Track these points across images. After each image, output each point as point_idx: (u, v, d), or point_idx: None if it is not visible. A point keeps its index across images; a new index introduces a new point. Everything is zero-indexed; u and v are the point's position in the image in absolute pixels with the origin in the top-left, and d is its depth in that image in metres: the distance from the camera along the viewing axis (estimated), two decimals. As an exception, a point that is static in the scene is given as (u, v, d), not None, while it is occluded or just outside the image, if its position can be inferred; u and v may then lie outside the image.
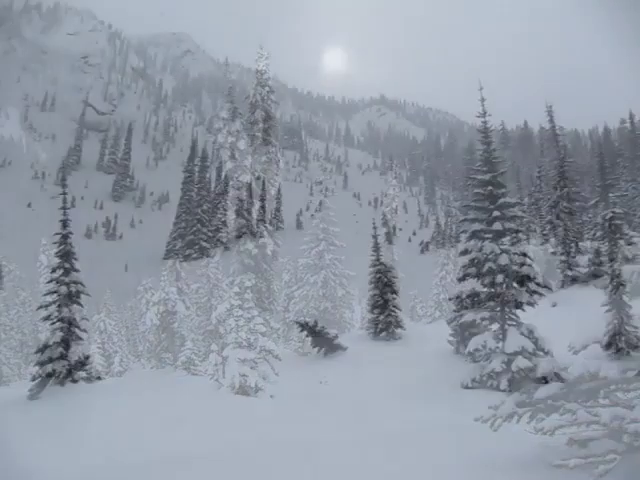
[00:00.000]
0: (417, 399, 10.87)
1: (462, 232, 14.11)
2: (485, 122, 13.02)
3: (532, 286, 11.98)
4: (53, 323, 14.64)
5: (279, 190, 72.49)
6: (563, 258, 25.12)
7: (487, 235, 12.58)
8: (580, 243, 29.44)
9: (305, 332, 16.18)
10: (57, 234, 15.31)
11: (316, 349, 16.26)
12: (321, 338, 16.07)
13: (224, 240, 61.69)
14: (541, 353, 11.41)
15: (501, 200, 12.57)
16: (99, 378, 14.71)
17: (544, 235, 51.61)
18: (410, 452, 7.18)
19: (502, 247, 12.10)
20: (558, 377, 10.83)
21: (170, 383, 14.97)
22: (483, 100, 12.75)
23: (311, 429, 9.19)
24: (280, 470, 6.69)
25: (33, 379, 13.89)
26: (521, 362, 10.90)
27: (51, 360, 14.02)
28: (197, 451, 8.29)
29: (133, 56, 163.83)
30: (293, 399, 11.81)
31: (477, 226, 12.73)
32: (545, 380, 10.74)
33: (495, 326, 12.42)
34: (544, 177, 63.13)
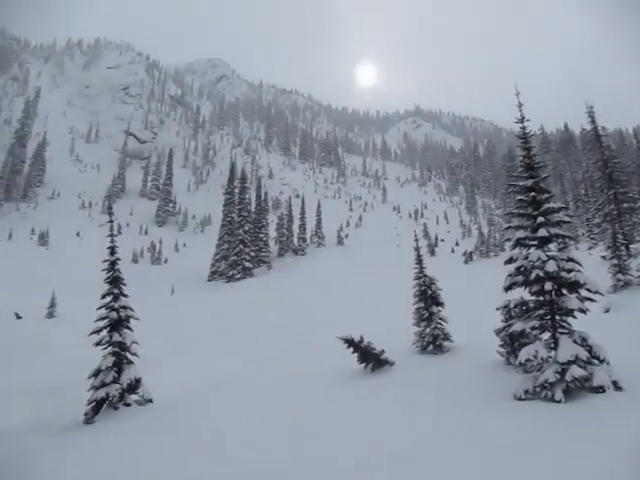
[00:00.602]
0: (470, 413, 10.65)
1: (506, 240, 13.90)
2: (524, 127, 12.81)
3: (583, 292, 11.63)
4: (105, 348, 15.06)
5: (319, 207, 73.03)
6: (614, 262, 24.30)
7: (532, 242, 12.33)
8: (631, 245, 28.51)
9: (351, 348, 16.08)
10: (105, 261, 15.79)
11: (362, 365, 16.14)
12: (368, 354, 15.96)
13: (266, 259, 62.44)
14: (596, 361, 11.01)
15: (545, 206, 12.31)
16: (150, 401, 14.97)
17: (592, 239, 50.37)
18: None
19: (549, 254, 11.83)
20: (616, 386, 10.45)
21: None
22: (521, 105, 12.56)
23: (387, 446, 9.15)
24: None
25: (88, 403, 14.25)
26: (576, 371, 10.53)
27: (104, 384, 14.40)
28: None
29: (171, 84, 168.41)
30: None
31: (521, 233, 12.49)
32: (602, 390, 10.38)
33: (546, 335, 12.09)
34: (589, 180, 61.69)
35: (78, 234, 72.49)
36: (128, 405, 14.69)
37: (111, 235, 15.97)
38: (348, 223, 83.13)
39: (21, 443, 12.50)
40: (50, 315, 38.79)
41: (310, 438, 10.34)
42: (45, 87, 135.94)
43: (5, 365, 24.45)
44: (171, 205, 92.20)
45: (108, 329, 15.21)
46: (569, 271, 11.59)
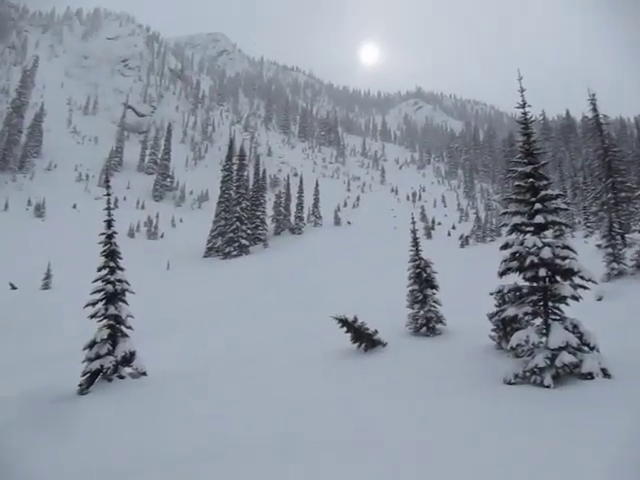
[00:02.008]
0: (459, 396, 10.79)
1: (503, 225, 13.91)
2: (525, 113, 12.78)
3: (576, 280, 11.72)
4: (100, 320, 15.14)
5: (317, 186, 72.85)
6: (609, 250, 24.40)
7: (529, 228, 12.38)
8: (627, 235, 28.60)
9: (345, 328, 16.19)
10: (102, 234, 15.79)
11: (356, 344, 16.28)
12: (361, 333, 16.08)
13: (263, 237, 62.45)
14: (586, 348, 11.14)
15: (543, 192, 12.33)
16: (144, 374, 15.10)
17: (588, 227, 50.48)
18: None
19: (544, 240, 11.88)
20: (605, 373, 10.59)
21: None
22: (523, 90, 12.51)
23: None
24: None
25: (83, 374, 14.38)
26: (566, 357, 10.66)
27: (99, 356, 14.52)
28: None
29: (171, 58, 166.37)
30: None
31: (518, 219, 12.53)
32: (591, 376, 10.52)
33: (538, 321, 12.21)
34: (588, 168, 61.65)
35: (74, 206, 72.24)
36: (122, 377, 14.82)
37: (108, 208, 15.95)
38: (346, 203, 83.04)
39: (19, 411, 12.64)
40: (45, 286, 38.90)
41: (294, 414, 10.52)
42: (43, 56, 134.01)
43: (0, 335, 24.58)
44: (169, 180, 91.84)
45: (104, 302, 15.26)
46: (564, 258, 11.66)
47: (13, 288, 37.69)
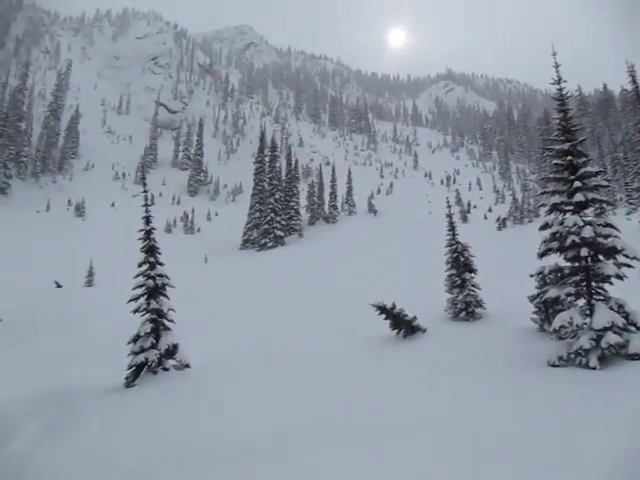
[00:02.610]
0: (503, 379, 10.68)
1: (541, 206, 13.61)
2: (560, 89, 12.41)
3: (620, 258, 11.40)
4: (143, 315, 15.49)
5: (349, 174, 72.64)
6: (653, 227, 23.66)
7: (568, 207, 12.08)
8: (672, 210, 27.68)
9: (384, 315, 16.16)
10: (141, 230, 16.12)
11: (395, 331, 16.24)
12: (400, 320, 16.03)
13: (297, 228, 62.70)
14: (633, 328, 10.85)
15: (582, 170, 12.01)
16: (188, 366, 15.40)
17: (631, 204, 49.01)
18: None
19: (585, 219, 11.59)
20: (653, 353, 10.33)
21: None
22: (557, 66, 12.15)
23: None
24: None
25: (128, 368, 14.75)
26: (611, 338, 10.41)
27: (143, 350, 14.87)
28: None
29: (199, 53, 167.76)
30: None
31: (557, 198, 12.23)
32: (638, 357, 10.28)
33: (581, 302, 11.95)
34: (628, 142, 59.76)
35: (113, 204, 73.89)
36: (166, 370, 15.16)
37: (145, 205, 16.24)
38: (379, 190, 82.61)
39: (69, 403, 13.08)
40: (89, 283, 39.97)
41: (337, 401, 10.55)
42: (76, 59, 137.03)
43: (47, 331, 25.40)
44: (202, 175, 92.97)
45: (145, 296, 15.59)
46: (606, 237, 11.35)
47: (58, 286, 38.85)
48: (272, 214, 58.42)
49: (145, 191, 17.01)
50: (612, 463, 5.98)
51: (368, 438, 7.99)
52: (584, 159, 12.23)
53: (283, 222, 60.15)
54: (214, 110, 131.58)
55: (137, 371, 14.80)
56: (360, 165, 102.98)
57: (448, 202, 20.86)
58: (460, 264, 18.13)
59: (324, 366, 13.98)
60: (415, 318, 16.08)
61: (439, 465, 6.60)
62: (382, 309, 16.06)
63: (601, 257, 11.60)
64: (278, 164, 66.22)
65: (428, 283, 21.95)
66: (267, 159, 65.65)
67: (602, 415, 7.55)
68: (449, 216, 18.89)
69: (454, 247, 18.35)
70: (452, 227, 18.62)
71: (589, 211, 12.05)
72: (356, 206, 70.65)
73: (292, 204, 64.49)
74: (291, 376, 13.41)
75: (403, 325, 16.08)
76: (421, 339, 15.64)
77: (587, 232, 11.18)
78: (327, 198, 69.21)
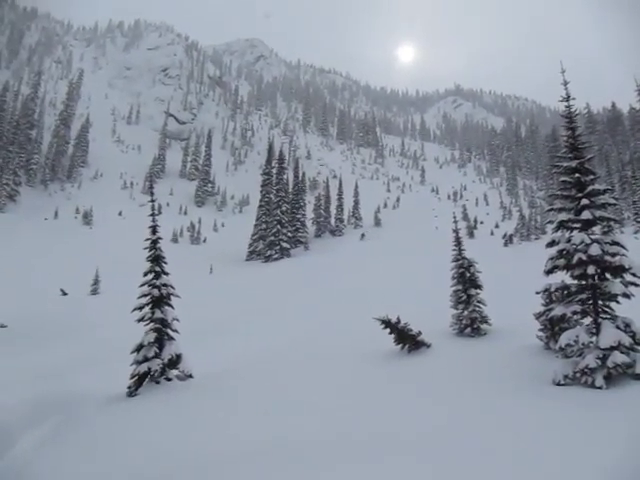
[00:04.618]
0: (506, 396, 10.57)
1: (548, 222, 13.55)
2: (569, 106, 12.39)
3: (627, 277, 11.31)
4: (147, 324, 15.48)
5: (356, 187, 72.77)
6: (661, 246, 23.50)
7: (576, 225, 12.02)
8: (680, 229, 27.53)
9: (388, 329, 16.08)
10: (147, 239, 16.16)
11: (399, 346, 16.14)
12: (404, 335, 15.94)
13: (303, 240, 62.73)
14: (640, 348, 10.76)
15: (590, 187, 11.95)
16: (191, 376, 15.35)
17: (638, 222, 48.78)
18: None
19: (592, 237, 11.52)
20: (660, 373, 10.21)
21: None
22: (566, 83, 12.16)
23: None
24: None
25: (131, 377, 14.71)
26: (618, 357, 10.30)
27: (146, 359, 14.84)
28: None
29: (209, 65, 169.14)
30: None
31: (564, 216, 12.18)
32: (646, 376, 10.16)
33: (587, 320, 11.84)
34: (636, 161, 59.63)
35: (120, 213, 74.18)
36: (169, 380, 15.11)
37: (152, 214, 16.29)
38: (386, 204, 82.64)
39: (71, 412, 13.04)
40: (94, 292, 40.05)
41: (340, 415, 10.48)
42: (88, 69, 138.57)
43: (50, 339, 25.42)
44: (210, 185, 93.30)
45: (150, 306, 15.59)
46: (613, 255, 11.27)
47: (64, 294, 38.96)
48: (278, 226, 58.49)
49: (152, 200, 17.07)
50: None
51: (368, 454, 7.91)
52: (592, 177, 12.19)
53: (289, 234, 60.21)
54: (223, 122, 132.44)
55: (140, 380, 14.75)
56: (367, 179, 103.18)
57: (455, 217, 20.82)
58: (466, 280, 18.04)
59: (326, 380, 13.90)
60: (420, 333, 15.98)
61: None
62: (387, 323, 15.97)
63: (608, 275, 11.51)
64: (285, 176, 66.44)
65: (433, 298, 21.86)
66: (274, 171, 65.88)
67: (606, 435, 7.45)
68: (455, 231, 18.84)
69: (460, 262, 18.27)
70: (458, 242, 18.55)
71: (596, 229, 11.98)
72: (362, 219, 70.70)
73: (298, 216, 64.60)
74: (293, 390, 13.32)
75: (408, 340, 15.98)
76: (425, 354, 15.54)
77: (594, 250, 11.11)
78: (334, 211, 69.30)
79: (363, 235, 63.23)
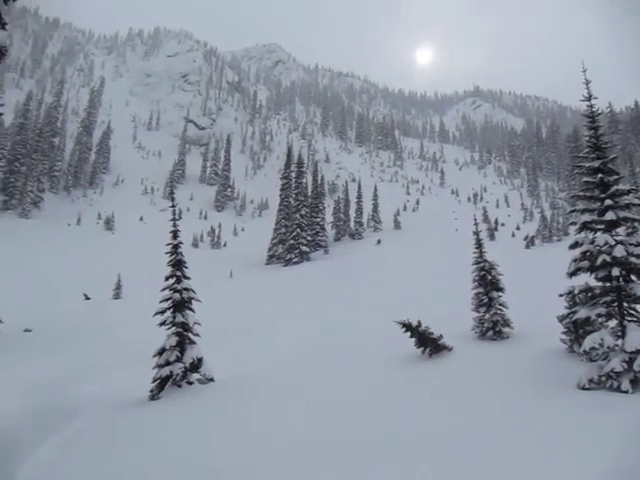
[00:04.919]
0: (530, 400, 10.43)
1: (571, 224, 13.37)
2: (591, 105, 12.25)
3: (653, 279, 11.11)
4: (169, 328, 15.59)
5: (375, 190, 72.58)
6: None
7: (599, 226, 11.85)
8: None
9: (409, 332, 15.98)
10: (168, 244, 16.29)
11: (420, 349, 16.03)
12: (425, 338, 15.82)
13: (323, 244, 62.72)
14: (667, 351, 10.53)
15: (613, 188, 11.78)
16: (212, 380, 15.42)
17: (664, 223, 47.93)
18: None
19: (617, 238, 11.34)
20: (689, 377, 9.98)
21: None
22: (588, 82, 12.01)
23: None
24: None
25: (153, 381, 14.82)
26: (645, 361, 10.12)
27: (168, 363, 14.94)
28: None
29: (228, 71, 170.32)
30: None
31: (587, 217, 12.02)
32: (673, 380, 9.94)
33: (612, 323, 11.66)
34: (661, 160, 58.49)
35: (141, 219, 74.98)
36: (190, 383, 15.19)
37: (173, 219, 16.43)
38: (405, 207, 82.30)
39: (95, 413, 13.19)
40: (116, 296, 40.48)
41: (360, 419, 10.42)
42: (108, 77, 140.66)
43: (73, 343, 25.74)
44: (229, 190, 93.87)
45: (171, 310, 15.70)
46: (638, 256, 11.08)
47: (87, 298, 39.46)
48: (298, 230, 58.56)
49: (173, 206, 17.24)
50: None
51: (385, 455, 7.86)
52: (615, 177, 12.01)
53: (309, 238, 60.22)
54: (242, 126, 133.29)
55: (162, 384, 14.86)
56: (386, 182, 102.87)
57: (475, 219, 20.65)
58: (487, 282, 17.87)
59: (346, 383, 13.86)
60: (441, 336, 15.85)
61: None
62: (407, 327, 15.88)
63: (633, 277, 11.32)
64: (304, 180, 66.50)
65: (454, 301, 21.67)
66: (293, 175, 66.00)
67: (633, 439, 7.31)
68: (476, 233, 18.68)
69: (481, 265, 18.11)
70: (479, 245, 18.40)
71: (621, 230, 11.80)
72: (382, 223, 70.46)
73: (318, 220, 64.61)
74: (314, 393, 13.29)
75: (428, 343, 15.87)
76: (447, 358, 15.40)
77: (619, 251, 10.94)
78: (353, 214, 69.20)
79: (381, 239, 63.00)
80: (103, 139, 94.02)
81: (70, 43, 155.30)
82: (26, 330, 29.06)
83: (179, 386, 14.96)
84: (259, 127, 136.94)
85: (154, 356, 15.21)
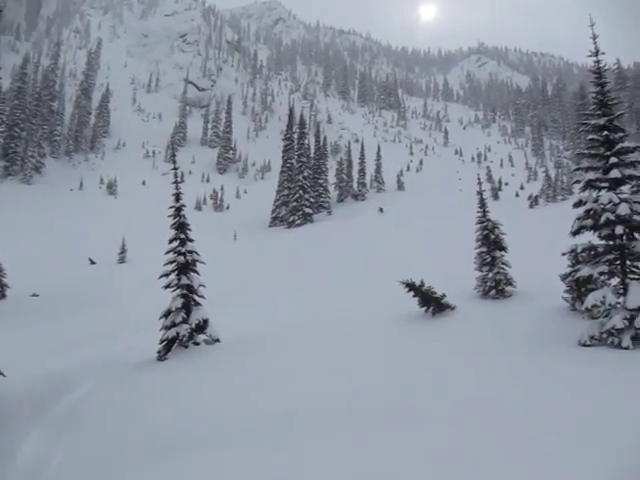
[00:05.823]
0: (532, 357, 10.58)
1: (575, 182, 13.30)
2: (598, 61, 12.01)
3: (657, 236, 11.12)
4: (174, 290, 15.76)
5: (378, 151, 71.98)
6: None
7: (603, 184, 11.79)
8: None
9: (412, 292, 16.11)
10: (171, 207, 16.32)
11: (423, 309, 16.20)
12: (428, 298, 15.97)
13: (326, 205, 62.59)
14: (669, 308, 10.62)
15: (619, 145, 11.67)
16: (218, 340, 15.66)
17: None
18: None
19: (621, 196, 11.29)
20: (689, 332, 10.10)
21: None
22: (595, 37, 11.75)
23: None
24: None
25: (160, 342, 15.08)
26: (646, 318, 10.22)
27: (174, 324, 15.17)
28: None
29: (227, 30, 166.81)
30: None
31: (592, 175, 11.94)
32: (674, 336, 10.06)
33: (615, 281, 11.72)
34: (668, 116, 57.61)
35: (144, 182, 74.77)
36: (197, 344, 15.45)
37: (175, 182, 16.43)
38: (408, 167, 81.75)
39: (107, 374, 13.48)
40: (121, 260, 40.75)
41: (366, 381, 10.55)
42: (105, 38, 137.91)
43: (81, 307, 26.08)
44: (231, 152, 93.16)
45: (176, 272, 15.85)
46: (643, 214, 11.06)
47: (92, 263, 39.75)
48: (301, 191, 58.35)
49: (175, 169, 17.20)
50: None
51: (397, 419, 8.03)
52: (621, 134, 11.88)
53: (312, 199, 60.04)
54: (243, 87, 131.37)
55: (169, 345, 15.12)
56: (389, 142, 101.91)
57: (479, 179, 20.55)
58: (490, 242, 17.92)
59: (353, 343, 14.03)
60: (444, 295, 16.00)
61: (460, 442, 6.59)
62: (410, 286, 16.01)
63: (637, 235, 11.33)
64: (307, 141, 65.87)
65: (458, 261, 21.78)
66: (296, 136, 65.36)
67: (635, 391, 7.45)
68: (480, 193, 18.64)
69: (484, 224, 18.13)
70: (483, 204, 18.38)
71: (625, 188, 11.74)
72: (385, 183, 70.08)
73: (321, 181, 64.31)
74: (320, 354, 13.41)
75: (432, 302, 16.03)
76: (450, 317, 15.58)
77: (623, 209, 10.91)
78: (356, 175, 68.75)
79: (384, 200, 62.79)
80: (102, 102, 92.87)
81: (65, 3, 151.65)
82: (33, 295, 29.41)
83: (186, 347, 15.22)
84: (260, 88, 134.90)
85: (160, 318, 15.43)
